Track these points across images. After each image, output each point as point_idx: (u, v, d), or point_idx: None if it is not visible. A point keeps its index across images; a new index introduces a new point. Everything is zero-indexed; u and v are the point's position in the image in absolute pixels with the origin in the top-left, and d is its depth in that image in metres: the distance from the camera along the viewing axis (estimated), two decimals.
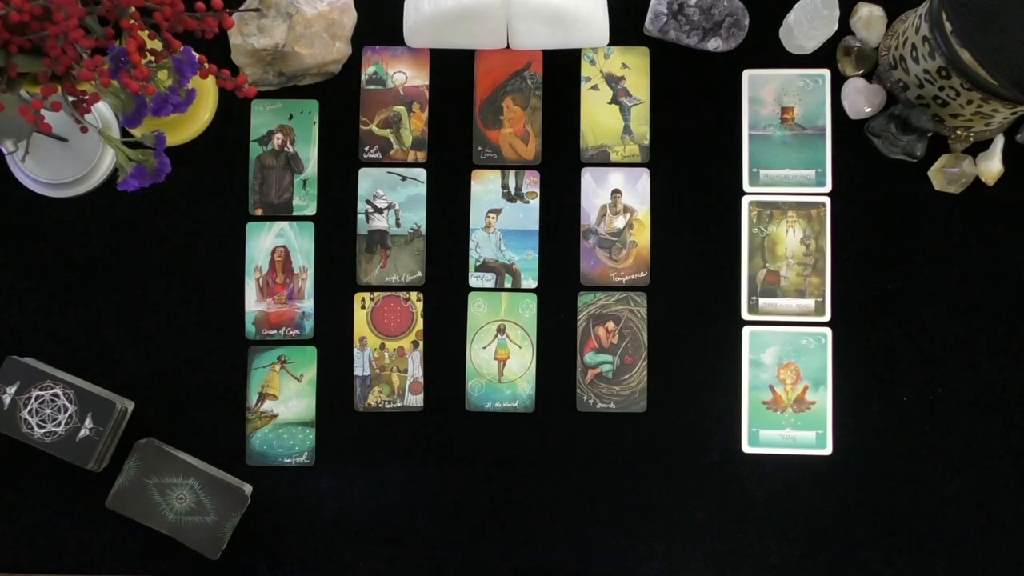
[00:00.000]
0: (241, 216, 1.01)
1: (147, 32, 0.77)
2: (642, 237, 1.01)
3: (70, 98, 0.78)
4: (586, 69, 1.02)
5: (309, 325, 1.01)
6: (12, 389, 0.95)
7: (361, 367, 1.00)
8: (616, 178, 1.01)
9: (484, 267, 1.01)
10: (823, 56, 1.01)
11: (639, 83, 1.02)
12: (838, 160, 1.00)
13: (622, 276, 1.01)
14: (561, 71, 1.02)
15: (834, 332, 0.99)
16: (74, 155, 0.98)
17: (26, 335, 1.00)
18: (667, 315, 1.00)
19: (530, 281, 1.01)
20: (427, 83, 1.03)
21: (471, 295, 1.01)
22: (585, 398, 1.00)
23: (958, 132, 0.98)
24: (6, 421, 0.95)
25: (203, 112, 1.01)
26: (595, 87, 1.02)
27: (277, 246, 1.01)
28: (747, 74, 1.02)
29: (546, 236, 1.01)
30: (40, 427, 0.95)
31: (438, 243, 1.01)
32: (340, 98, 1.02)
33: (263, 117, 1.02)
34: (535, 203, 1.01)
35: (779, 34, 1.01)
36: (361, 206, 1.02)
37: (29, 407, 0.95)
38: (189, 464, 0.95)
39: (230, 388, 1.00)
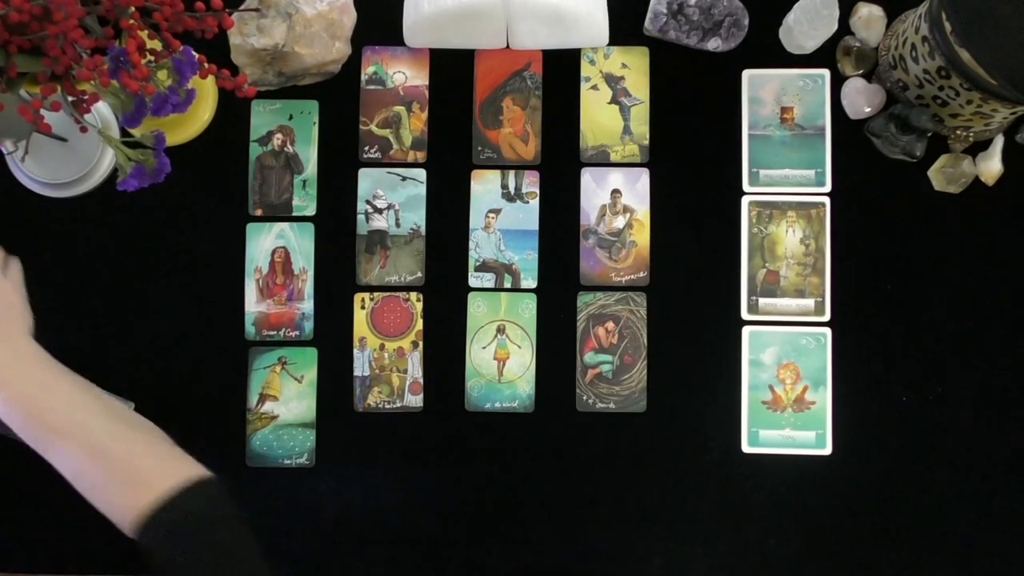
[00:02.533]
0: (241, 217, 1.01)
1: (147, 32, 0.77)
2: (642, 237, 1.01)
3: (70, 98, 0.78)
4: (586, 69, 1.02)
5: (309, 326, 1.01)
6: None
7: (361, 367, 1.00)
8: (616, 178, 1.01)
9: (484, 267, 1.01)
10: (823, 56, 1.01)
11: (639, 83, 1.02)
12: (838, 160, 1.00)
13: (622, 276, 1.01)
14: (561, 71, 1.02)
15: (834, 332, 0.99)
16: (74, 155, 0.98)
17: None
18: (667, 315, 1.00)
19: (530, 281, 1.01)
20: (427, 83, 1.03)
21: (471, 295, 1.01)
22: (585, 398, 1.00)
23: (958, 132, 0.98)
24: None
25: (203, 112, 1.01)
26: (595, 87, 1.02)
27: (277, 247, 1.01)
28: (747, 74, 1.02)
29: (546, 236, 1.01)
30: None
31: (438, 243, 1.01)
32: (340, 98, 1.02)
33: (263, 117, 1.02)
34: (535, 203, 1.01)
35: (779, 34, 1.01)
36: (361, 206, 1.02)
37: None
38: None
39: (230, 389, 1.00)
